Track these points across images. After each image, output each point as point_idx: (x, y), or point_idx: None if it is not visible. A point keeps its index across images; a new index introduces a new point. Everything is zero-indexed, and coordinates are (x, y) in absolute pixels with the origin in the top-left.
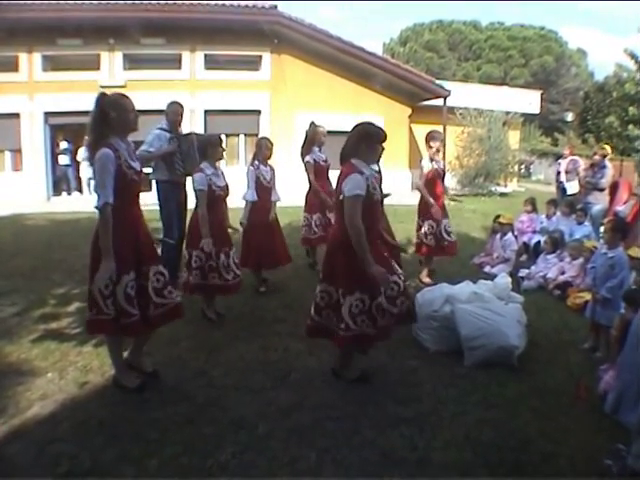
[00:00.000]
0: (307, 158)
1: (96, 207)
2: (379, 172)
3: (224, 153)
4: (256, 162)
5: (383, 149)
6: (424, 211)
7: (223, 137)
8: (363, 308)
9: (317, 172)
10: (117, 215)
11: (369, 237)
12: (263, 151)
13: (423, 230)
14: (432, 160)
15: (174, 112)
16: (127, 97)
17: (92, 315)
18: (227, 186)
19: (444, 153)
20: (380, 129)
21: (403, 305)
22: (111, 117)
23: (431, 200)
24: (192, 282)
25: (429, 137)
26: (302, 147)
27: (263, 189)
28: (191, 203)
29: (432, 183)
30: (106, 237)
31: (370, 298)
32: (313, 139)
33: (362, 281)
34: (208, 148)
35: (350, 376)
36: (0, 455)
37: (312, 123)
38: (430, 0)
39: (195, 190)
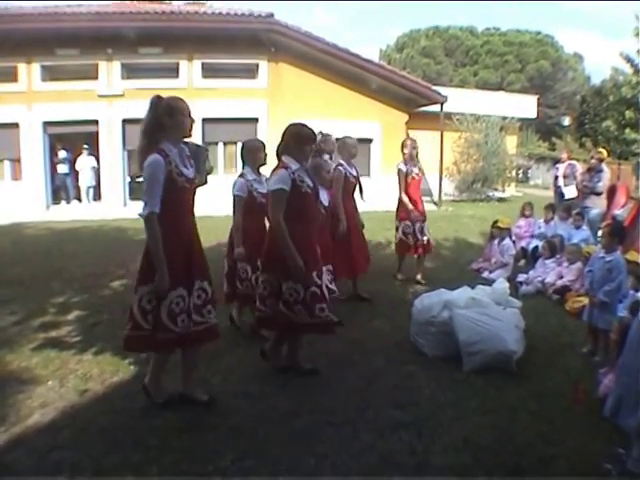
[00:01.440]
0: None
1: (141, 215)
2: (356, 177)
3: (266, 158)
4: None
5: (312, 150)
6: (400, 214)
7: (221, 145)
8: (298, 297)
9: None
10: (168, 225)
11: (306, 231)
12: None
13: (400, 230)
14: (406, 165)
15: None
16: (182, 100)
17: (128, 331)
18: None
19: (441, 159)
20: (310, 130)
21: (322, 313)
22: (165, 121)
23: (410, 205)
24: (242, 292)
25: (402, 145)
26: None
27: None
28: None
29: (409, 188)
30: (156, 249)
31: (304, 288)
32: (322, 148)
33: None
34: (247, 154)
35: (275, 364)
36: (1, 463)
37: (320, 132)
38: (426, 0)
39: (233, 195)
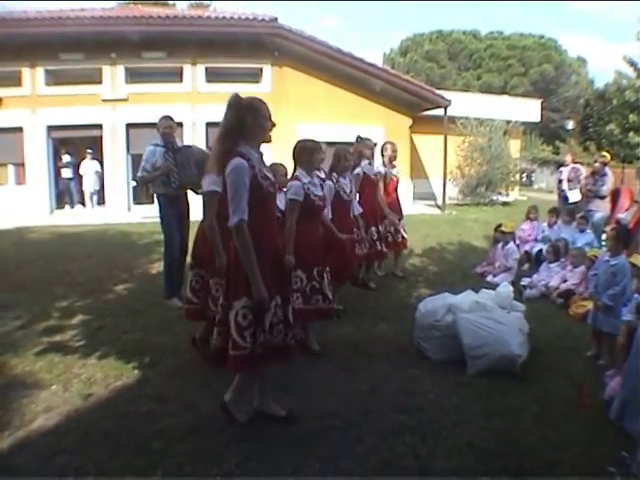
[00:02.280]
0: (357, 170)
1: (230, 226)
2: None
3: (322, 161)
4: (334, 174)
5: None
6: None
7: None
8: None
9: (366, 184)
10: (256, 232)
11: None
12: (342, 163)
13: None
14: (385, 167)
15: (163, 126)
16: (264, 102)
17: (231, 350)
18: (324, 196)
19: (445, 163)
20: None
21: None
22: (248, 122)
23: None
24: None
25: (382, 148)
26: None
27: (343, 202)
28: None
29: (384, 189)
30: (250, 260)
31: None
32: (361, 153)
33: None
34: (303, 154)
35: (205, 354)
36: (6, 466)
37: (358, 137)
38: (430, 0)
39: (288, 199)
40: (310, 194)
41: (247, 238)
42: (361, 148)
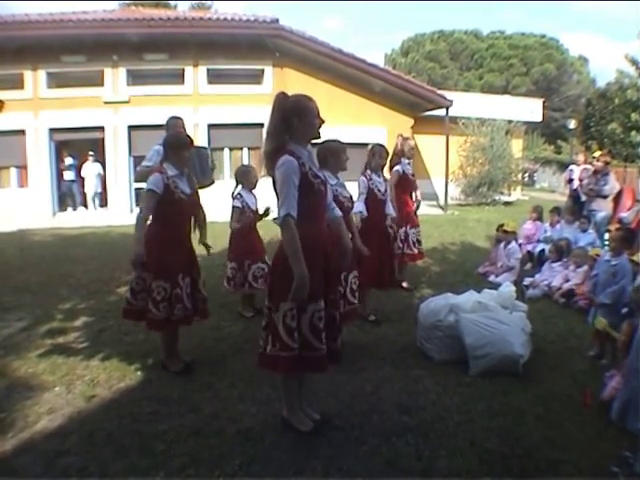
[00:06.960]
0: (397, 167)
1: (276, 221)
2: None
3: (347, 163)
4: (368, 171)
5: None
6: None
7: (227, 151)
8: (165, 295)
9: (403, 183)
10: (304, 232)
11: (177, 235)
12: (376, 159)
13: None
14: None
15: (174, 126)
16: (311, 99)
17: (274, 350)
18: (351, 197)
19: (447, 163)
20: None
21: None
22: (294, 122)
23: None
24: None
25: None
26: (390, 159)
27: (377, 201)
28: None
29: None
30: (295, 254)
31: (171, 287)
32: (402, 151)
33: (164, 270)
34: (328, 157)
35: (174, 368)
36: (10, 468)
37: (400, 135)
38: (432, 1)
39: None
40: (339, 195)
41: (294, 234)
42: (402, 146)
